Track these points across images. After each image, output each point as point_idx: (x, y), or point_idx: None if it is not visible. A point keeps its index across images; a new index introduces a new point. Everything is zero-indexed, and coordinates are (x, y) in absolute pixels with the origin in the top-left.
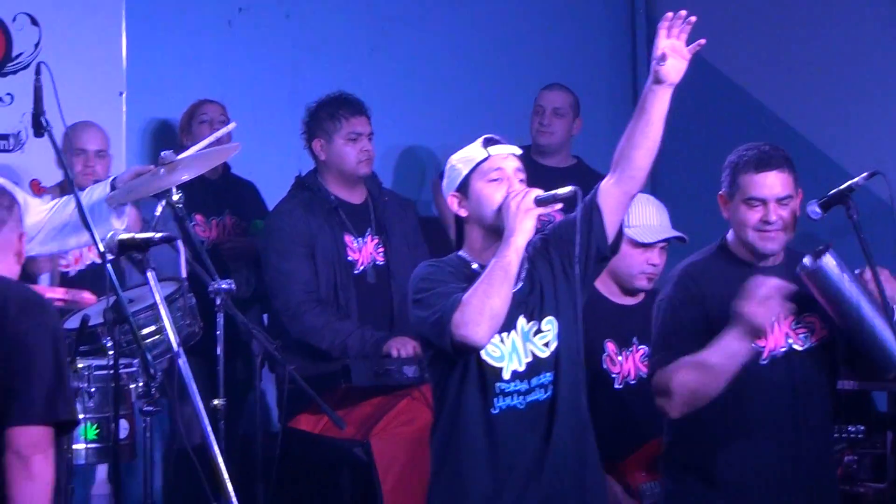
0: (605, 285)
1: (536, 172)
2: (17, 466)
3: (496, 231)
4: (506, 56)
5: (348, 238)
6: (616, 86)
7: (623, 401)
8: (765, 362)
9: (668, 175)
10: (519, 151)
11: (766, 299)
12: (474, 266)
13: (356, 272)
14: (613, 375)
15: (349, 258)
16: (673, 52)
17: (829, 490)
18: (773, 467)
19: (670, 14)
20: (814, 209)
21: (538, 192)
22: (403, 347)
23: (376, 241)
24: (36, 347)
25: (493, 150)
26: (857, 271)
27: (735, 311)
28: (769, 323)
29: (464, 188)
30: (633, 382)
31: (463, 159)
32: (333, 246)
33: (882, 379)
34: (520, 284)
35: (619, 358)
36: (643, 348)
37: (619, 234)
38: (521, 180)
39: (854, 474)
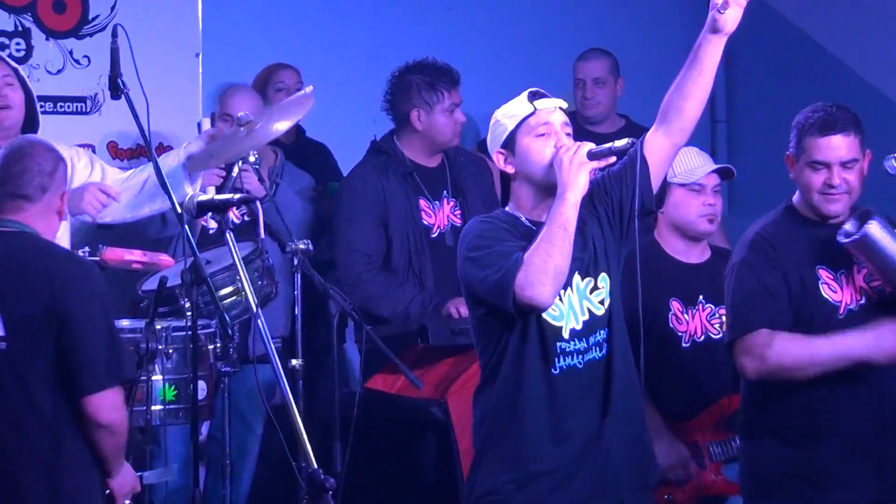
0: (668, 244)
1: (588, 139)
2: (100, 431)
3: (546, 187)
4: (572, 16)
5: (423, 202)
6: (686, 39)
7: (690, 360)
8: (841, 317)
9: (745, 136)
10: (565, 105)
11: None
12: (526, 222)
13: (432, 236)
14: (680, 334)
15: (424, 223)
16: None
17: None
18: (863, 425)
19: None
20: (891, 164)
21: (591, 146)
22: (463, 307)
23: (453, 203)
24: (88, 316)
25: (540, 104)
26: None
27: (877, 342)
28: None
29: (510, 144)
30: (700, 340)
31: (507, 114)
32: (408, 211)
33: None
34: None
35: (686, 317)
36: (710, 307)
37: (661, 188)
38: (568, 134)
39: None
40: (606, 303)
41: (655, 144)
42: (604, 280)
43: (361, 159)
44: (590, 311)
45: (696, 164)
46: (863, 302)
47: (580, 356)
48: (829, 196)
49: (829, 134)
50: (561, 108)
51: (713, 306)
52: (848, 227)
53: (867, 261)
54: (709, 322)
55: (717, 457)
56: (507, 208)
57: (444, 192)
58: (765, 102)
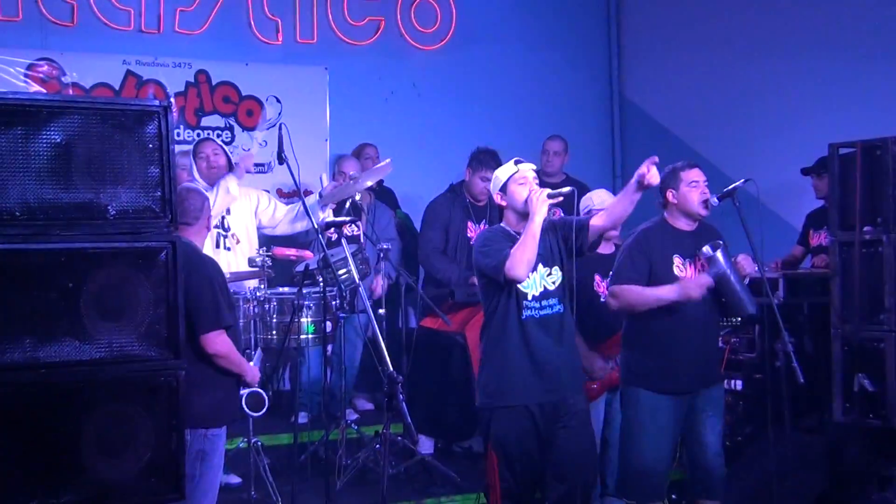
0: None
1: (548, 187)
2: (213, 358)
3: (523, 213)
4: (528, 111)
5: (470, 223)
6: (600, 130)
7: (605, 308)
8: None
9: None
10: (535, 167)
11: (698, 288)
12: (513, 232)
13: (471, 244)
14: (600, 293)
15: (468, 234)
16: (649, 176)
17: (718, 360)
18: (689, 345)
19: (647, 164)
20: (713, 200)
21: (549, 191)
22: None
23: (486, 227)
24: (199, 288)
25: (521, 166)
26: (732, 259)
27: (682, 289)
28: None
29: (503, 189)
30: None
31: (502, 172)
32: (461, 226)
33: (740, 317)
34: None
35: (602, 284)
36: None
37: (594, 242)
38: (537, 182)
39: (737, 349)
40: (558, 283)
41: (596, 224)
42: (557, 271)
43: (443, 192)
44: (545, 286)
45: (606, 198)
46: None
47: (537, 311)
48: (703, 204)
49: (695, 167)
50: (533, 169)
51: None
52: (705, 249)
53: (709, 271)
54: None
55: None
56: (501, 224)
57: (483, 220)
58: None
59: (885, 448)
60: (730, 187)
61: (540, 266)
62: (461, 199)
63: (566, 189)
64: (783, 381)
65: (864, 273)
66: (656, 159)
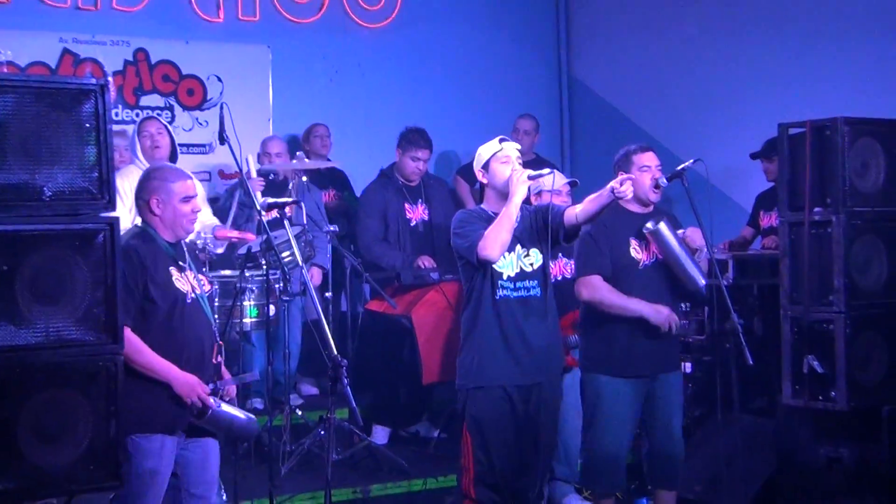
0: None
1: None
2: None
3: (504, 192)
4: (475, 90)
5: (407, 205)
6: (548, 110)
7: (558, 290)
8: (640, 268)
9: (581, 168)
10: (519, 146)
11: (665, 320)
12: (490, 213)
13: (412, 225)
14: (552, 274)
15: (407, 216)
16: (620, 190)
17: (676, 346)
18: (646, 331)
19: (623, 180)
20: (662, 180)
21: (530, 172)
22: (424, 261)
23: (423, 206)
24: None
25: (505, 145)
26: (679, 231)
27: (656, 312)
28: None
29: (486, 167)
30: (559, 279)
31: (486, 149)
32: (398, 209)
33: (694, 299)
34: (516, 224)
35: (551, 264)
36: (564, 259)
37: (571, 231)
38: (520, 162)
39: (686, 331)
40: (536, 265)
41: (569, 219)
42: (535, 253)
43: (374, 179)
44: (521, 268)
45: (559, 179)
46: (654, 260)
47: (512, 291)
48: (654, 191)
49: (648, 151)
50: (516, 148)
51: (566, 259)
52: (649, 225)
53: (656, 246)
54: (565, 268)
55: (573, 343)
56: (481, 206)
57: (420, 199)
58: (593, 148)
59: (833, 430)
60: (679, 168)
61: (518, 247)
62: (394, 183)
63: (546, 171)
64: (732, 363)
65: (814, 254)
66: (633, 177)
